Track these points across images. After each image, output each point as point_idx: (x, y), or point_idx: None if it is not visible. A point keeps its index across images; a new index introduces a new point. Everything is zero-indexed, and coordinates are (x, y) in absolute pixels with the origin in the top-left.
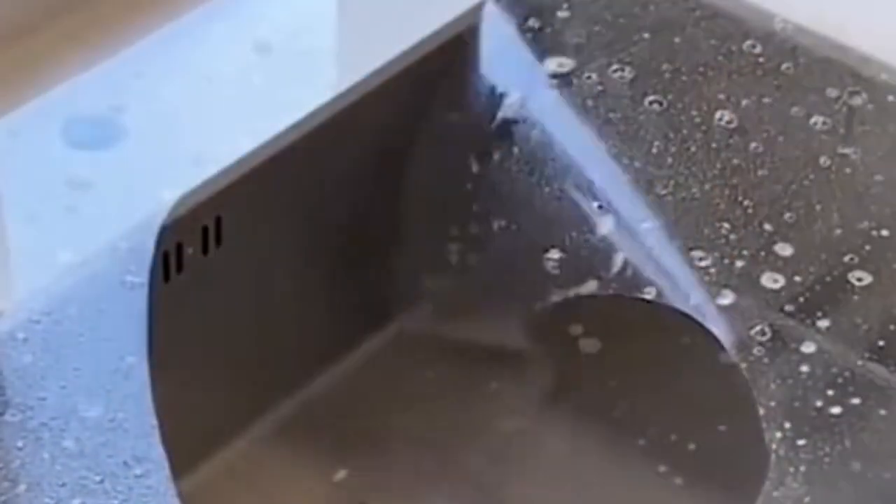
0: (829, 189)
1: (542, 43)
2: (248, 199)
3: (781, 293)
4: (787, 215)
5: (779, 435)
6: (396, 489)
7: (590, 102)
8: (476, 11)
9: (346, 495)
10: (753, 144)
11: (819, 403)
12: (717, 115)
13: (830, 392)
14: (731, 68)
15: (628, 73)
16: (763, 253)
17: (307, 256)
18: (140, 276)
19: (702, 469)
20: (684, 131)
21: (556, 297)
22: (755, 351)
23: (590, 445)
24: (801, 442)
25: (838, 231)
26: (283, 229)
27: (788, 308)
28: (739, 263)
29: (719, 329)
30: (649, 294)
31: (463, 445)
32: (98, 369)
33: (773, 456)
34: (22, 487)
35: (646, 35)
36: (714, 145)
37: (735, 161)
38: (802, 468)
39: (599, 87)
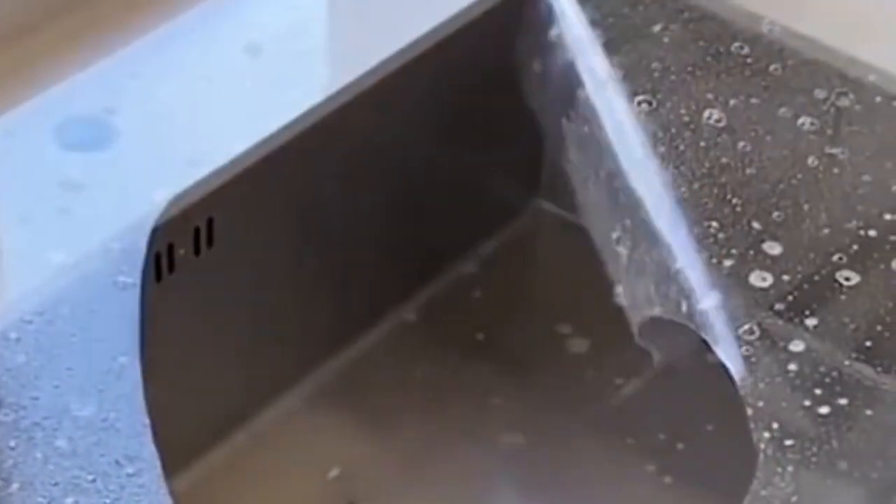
0: (817, 189)
1: None
2: (240, 200)
3: (770, 292)
4: (775, 214)
5: (766, 435)
6: (388, 488)
7: None
8: (469, 11)
9: (338, 493)
10: (742, 144)
11: (807, 403)
12: (706, 114)
13: (818, 391)
14: (719, 69)
15: (618, 73)
16: (751, 252)
17: (299, 257)
18: (132, 277)
19: (690, 468)
20: (673, 130)
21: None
22: (743, 350)
23: (579, 444)
24: (788, 442)
25: (826, 230)
26: (275, 230)
27: (777, 307)
28: (728, 262)
29: (707, 328)
30: None
31: (453, 444)
32: (90, 369)
33: (760, 455)
34: (15, 486)
35: (635, 35)
36: (703, 144)
37: (723, 160)
38: (790, 468)
39: None
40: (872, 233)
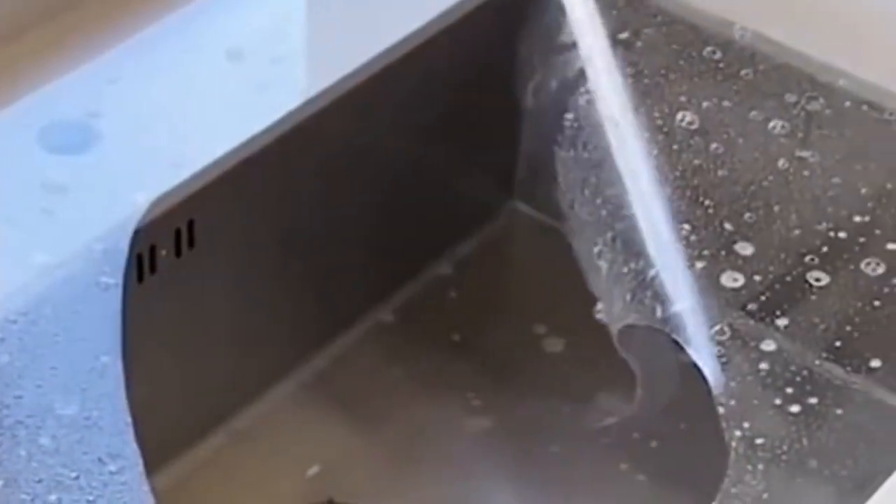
0: (788, 191)
1: None
2: (220, 202)
3: (741, 292)
4: (746, 215)
5: (738, 433)
6: (367, 485)
7: None
8: (447, 16)
9: (318, 490)
10: (714, 146)
11: (778, 402)
12: (679, 116)
13: (789, 390)
14: (691, 72)
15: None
16: (723, 252)
17: (278, 259)
18: (114, 278)
19: (663, 466)
20: (646, 133)
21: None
22: (715, 350)
23: (554, 443)
24: (759, 440)
25: (797, 232)
26: (255, 232)
27: (749, 307)
28: (700, 264)
29: (680, 329)
30: None
31: (429, 444)
32: (73, 368)
33: (732, 454)
34: None
35: (608, 39)
36: (675, 147)
37: (696, 162)
38: (761, 466)
39: None
40: (842, 234)
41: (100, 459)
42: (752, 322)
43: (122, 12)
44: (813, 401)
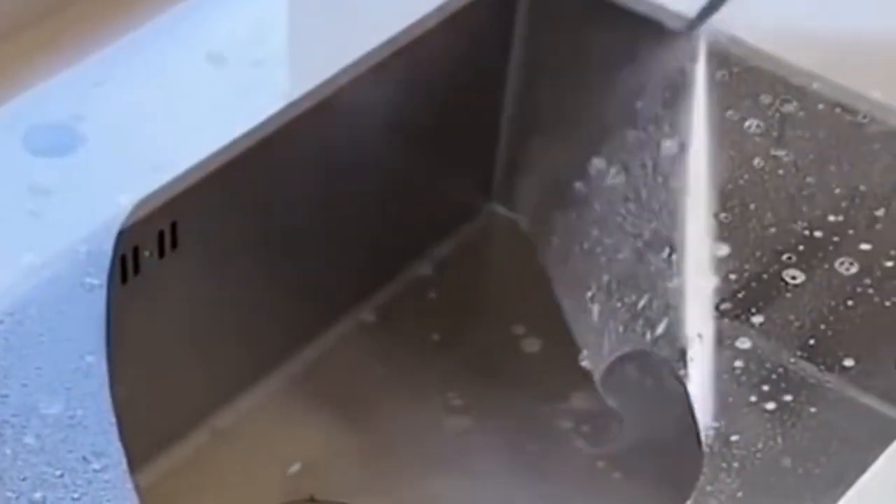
0: (763, 190)
1: None
2: (203, 204)
3: (717, 290)
4: (722, 215)
5: (713, 432)
6: (348, 483)
7: None
8: (425, 20)
9: (299, 488)
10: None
11: (753, 399)
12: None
13: (764, 388)
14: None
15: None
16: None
17: (259, 259)
18: (98, 279)
19: (639, 464)
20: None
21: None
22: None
23: (531, 441)
24: (734, 437)
25: (772, 230)
26: (236, 233)
27: (724, 306)
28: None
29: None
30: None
31: (409, 441)
32: (58, 368)
33: (707, 451)
34: None
35: (574, 41)
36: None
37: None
38: (735, 464)
39: None
40: (818, 233)
41: (84, 458)
42: (727, 320)
43: (106, 17)
44: (787, 399)
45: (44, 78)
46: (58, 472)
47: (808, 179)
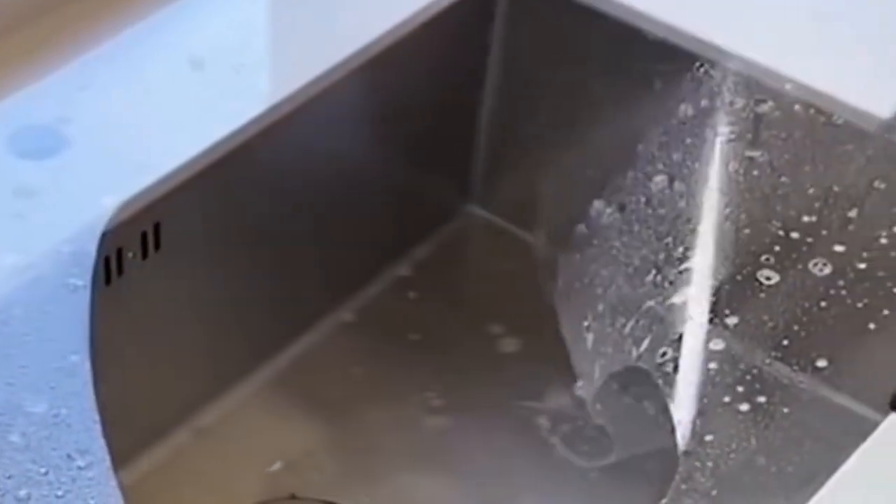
0: (738, 190)
1: None
2: (185, 206)
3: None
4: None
5: (688, 431)
6: (329, 481)
7: None
8: (406, 24)
9: (280, 486)
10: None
11: (727, 400)
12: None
13: (739, 389)
14: None
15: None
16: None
17: (240, 260)
18: (83, 279)
19: (616, 463)
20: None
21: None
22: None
23: (510, 439)
24: (708, 437)
25: (747, 231)
26: (219, 235)
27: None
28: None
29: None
30: None
31: (389, 440)
32: (43, 367)
33: (682, 451)
34: None
35: (560, 50)
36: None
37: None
38: (710, 463)
39: None
40: (793, 234)
41: (68, 455)
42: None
43: (90, 22)
44: (761, 399)
45: (29, 81)
46: (42, 470)
47: (783, 179)
